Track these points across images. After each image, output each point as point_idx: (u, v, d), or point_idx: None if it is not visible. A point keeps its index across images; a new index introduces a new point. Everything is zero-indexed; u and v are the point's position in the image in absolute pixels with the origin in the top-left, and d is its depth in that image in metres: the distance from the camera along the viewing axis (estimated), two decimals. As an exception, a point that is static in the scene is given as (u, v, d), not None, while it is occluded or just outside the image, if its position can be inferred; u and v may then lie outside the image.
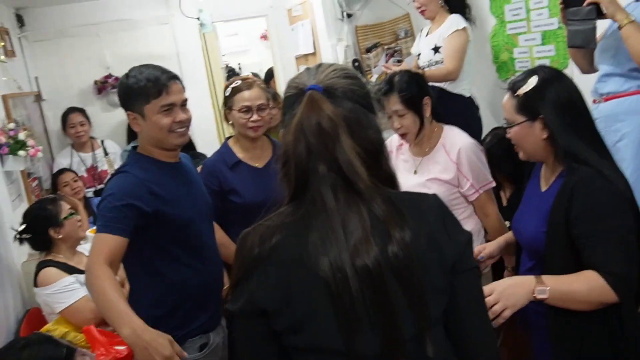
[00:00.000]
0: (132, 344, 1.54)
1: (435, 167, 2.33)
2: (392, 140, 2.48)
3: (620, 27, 2.09)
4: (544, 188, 1.70)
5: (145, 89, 1.80)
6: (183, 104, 1.88)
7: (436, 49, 3.18)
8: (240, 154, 2.40)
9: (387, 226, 1.04)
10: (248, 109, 2.31)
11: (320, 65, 1.18)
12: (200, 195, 2.02)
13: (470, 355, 1.09)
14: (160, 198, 1.82)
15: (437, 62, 3.18)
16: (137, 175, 1.82)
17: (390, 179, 1.15)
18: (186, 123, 1.88)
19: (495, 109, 3.39)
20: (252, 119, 2.31)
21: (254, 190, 2.31)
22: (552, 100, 1.59)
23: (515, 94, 1.64)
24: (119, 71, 4.81)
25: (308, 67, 1.19)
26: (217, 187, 2.32)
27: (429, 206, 1.12)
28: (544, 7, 3.00)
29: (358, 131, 1.10)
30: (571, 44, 2.30)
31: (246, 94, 2.32)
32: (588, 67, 2.46)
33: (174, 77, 1.86)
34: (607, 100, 2.33)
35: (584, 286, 1.47)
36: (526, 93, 1.61)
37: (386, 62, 3.86)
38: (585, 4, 2.17)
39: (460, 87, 3.17)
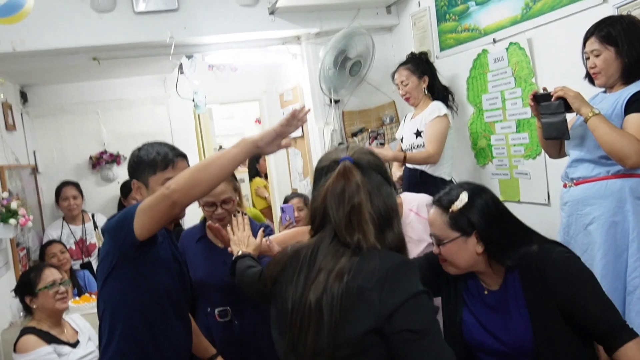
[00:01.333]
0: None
1: (413, 231, 2.43)
2: None
3: (585, 120, 2.24)
4: (494, 288, 1.75)
5: (155, 161, 1.94)
6: None
7: (418, 133, 3.35)
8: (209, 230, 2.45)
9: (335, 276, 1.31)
10: (212, 204, 2.39)
11: (349, 144, 1.48)
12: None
13: None
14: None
15: (418, 146, 3.34)
16: None
17: (399, 241, 1.41)
18: None
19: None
20: (216, 212, 2.40)
21: (198, 266, 2.41)
22: (483, 212, 1.69)
23: (450, 210, 1.71)
24: (114, 147, 4.99)
25: (339, 144, 1.42)
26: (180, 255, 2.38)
27: (378, 266, 1.31)
28: (518, 97, 3.17)
29: (377, 196, 1.39)
30: (547, 136, 2.43)
31: None
32: (557, 155, 2.61)
33: (182, 155, 2.02)
34: (577, 184, 2.44)
35: None
36: (460, 209, 1.69)
37: (369, 144, 4.04)
38: (553, 99, 2.34)
39: (441, 171, 3.31)
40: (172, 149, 2.01)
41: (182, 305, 2.03)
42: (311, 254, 1.39)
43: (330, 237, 1.38)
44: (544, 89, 2.41)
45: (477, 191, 1.75)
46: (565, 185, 2.52)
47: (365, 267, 1.30)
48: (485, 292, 1.77)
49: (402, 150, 3.48)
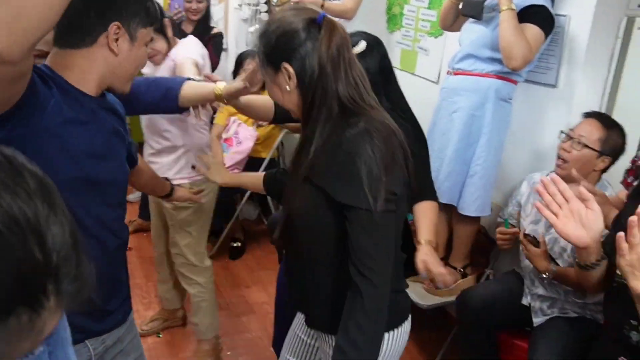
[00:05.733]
0: None
1: None
2: None
3: (500, 10, 2.36)
4: None
5: None
6: None
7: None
8: None
9: None
10: None
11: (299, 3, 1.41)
12: None
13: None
14: None
15: (337, -1, 3.41)
16: None
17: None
18: None
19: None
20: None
21: None
22: (378, 63, 1.88)
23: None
24: None
25: (295, 4, 1.38)
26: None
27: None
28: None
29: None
30: (463, 12, 2.58)
31: None
32: (449, 26, 2.81)
33: None
34: (456, 74, 2.67)
35: None
36: (358, 54, 1.84)
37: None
38: None
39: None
40: None
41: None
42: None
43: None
44: None
45: (375, 43, 1.89)
46: (448, 72, 2.76)
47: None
48: None
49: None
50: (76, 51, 1.26)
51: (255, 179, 1.91)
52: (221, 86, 1.79)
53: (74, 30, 1.25)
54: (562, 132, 2.26)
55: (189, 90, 1.80)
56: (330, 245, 1.35)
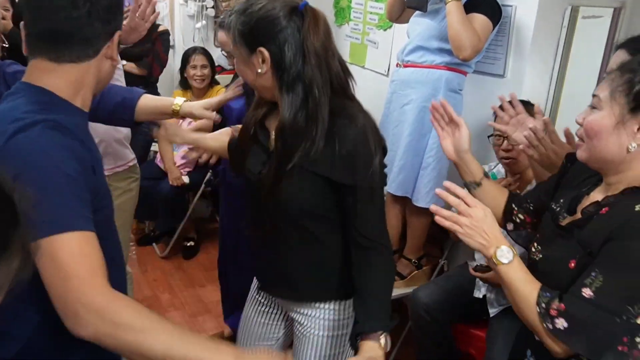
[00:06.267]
0: None
1: None
2: None
3: (446, 3, 2.35)
4: None
5: None
6: None
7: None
8: None
9: None
10: None
11: None
12: None
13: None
14: None
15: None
16: None
17: None
18: None
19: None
20: None
21: None
22: None
23: None
24: None
25: None
26: None
27: None
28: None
29: None
30: (409, 5, 2.56)
31: None
32: (395, 17, 2.78)
33: None
34: (406, 66, 2.66)
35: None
36: None
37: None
38: None
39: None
40: None
41: None
42: None
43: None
44: None
45: None
46: (397, 65, 2.75)
47: None
48: None
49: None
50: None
51: (220, 142, 1.74)
52: (180, 102, 1.73)
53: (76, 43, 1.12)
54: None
55: (146, 102, 1.72)
56: (323, 222, 1.44)
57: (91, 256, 0.98)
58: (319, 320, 1.54)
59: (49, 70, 1.12)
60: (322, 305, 1.54)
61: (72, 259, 0.96)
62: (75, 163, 1.03)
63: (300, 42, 1.31)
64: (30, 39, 1.13)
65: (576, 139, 1.34)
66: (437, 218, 1.31)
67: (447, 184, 1.36)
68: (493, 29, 2.43)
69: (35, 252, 0.85)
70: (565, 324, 1.16)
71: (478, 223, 1.27)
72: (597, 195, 1.30)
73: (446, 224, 1.29)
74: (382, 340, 1.36)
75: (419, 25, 2.64)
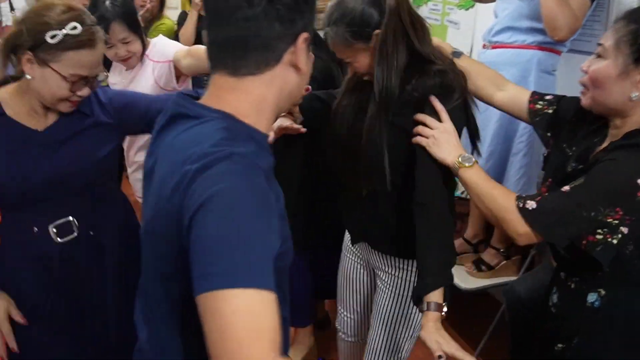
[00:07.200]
0: None
1: None
2: None
3: None
4: None
5: None
6: None
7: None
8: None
9: None
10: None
11: None
12: None
13: None
14: None
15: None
16: None
17: None
18: None
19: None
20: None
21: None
22: None
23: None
24: None
25: None
26: None
27: None
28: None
29: None
30: None
31: None
32: None
33: None
34: (494, 47, 2.55)
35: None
36: None
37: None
38: None
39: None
40: None
41: None
42: None
43: None
44: None
45: None
46: (484, 46, 2.63)
47: None
48: None
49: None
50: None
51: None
52: None
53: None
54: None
55: None
56: (406, 175, 1.57)
57: (260, 316, 0.80)
58: (400, 280, 1.77)
59: (230, 88, 0.97)
60: (405, 267, 1.75)
61: (234, 317, 0.78)
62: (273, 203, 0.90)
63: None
64: (209, 49, 0.99)
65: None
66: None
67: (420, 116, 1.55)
68: (591, 5, 2.28)
69: (201, 302, 0.80)
70: (535, 205, 1.32)
71: (445, 134, 1.47)
72: (605, 144, 1.41)
73: (417, 139, 1.52)
74: (445, 309, 1.44)
75: (509, 3, 2.51)
